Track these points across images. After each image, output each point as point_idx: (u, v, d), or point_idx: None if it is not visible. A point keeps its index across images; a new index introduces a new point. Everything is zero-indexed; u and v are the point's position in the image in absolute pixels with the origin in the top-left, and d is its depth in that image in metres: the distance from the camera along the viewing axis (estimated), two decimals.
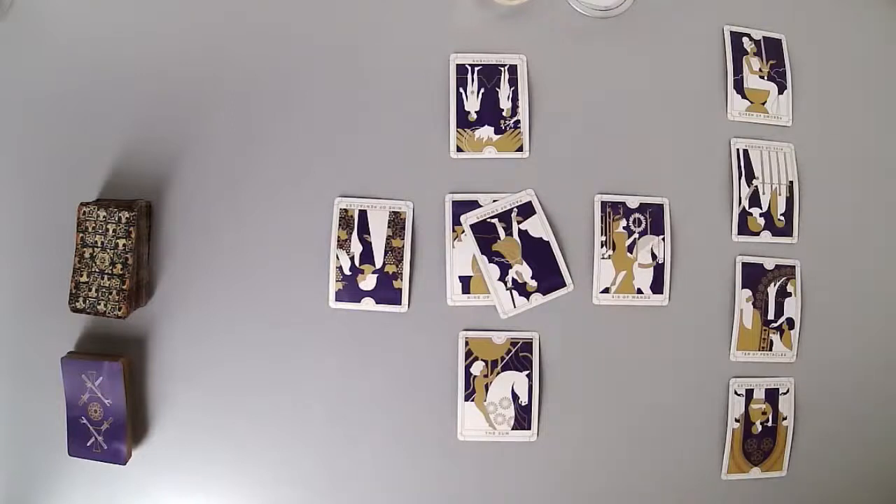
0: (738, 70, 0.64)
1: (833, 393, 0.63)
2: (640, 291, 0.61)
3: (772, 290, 0.63)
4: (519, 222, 0.60)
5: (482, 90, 0.62)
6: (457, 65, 0.62)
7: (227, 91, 0.61)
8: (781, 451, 0.62)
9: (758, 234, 0.63)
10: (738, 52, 0.65)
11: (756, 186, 0.63)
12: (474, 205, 0.61)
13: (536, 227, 0.61)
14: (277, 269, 0.59)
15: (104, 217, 0.54)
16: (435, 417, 0.59)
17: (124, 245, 0.54)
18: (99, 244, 0.55)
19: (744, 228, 0.63)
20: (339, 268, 0.59)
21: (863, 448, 0.64)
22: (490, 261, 0.60)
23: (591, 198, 0.61)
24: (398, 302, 0.59)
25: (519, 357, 0.60)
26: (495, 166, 0.61)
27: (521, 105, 0.62)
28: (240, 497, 0.59)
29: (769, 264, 0.63)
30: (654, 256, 0.61)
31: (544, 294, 0.60)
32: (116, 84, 0.60)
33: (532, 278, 0.60)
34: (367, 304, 0.59)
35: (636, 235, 0.61)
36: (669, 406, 0.61)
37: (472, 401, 0.59)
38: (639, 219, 0.62)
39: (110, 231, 0.55)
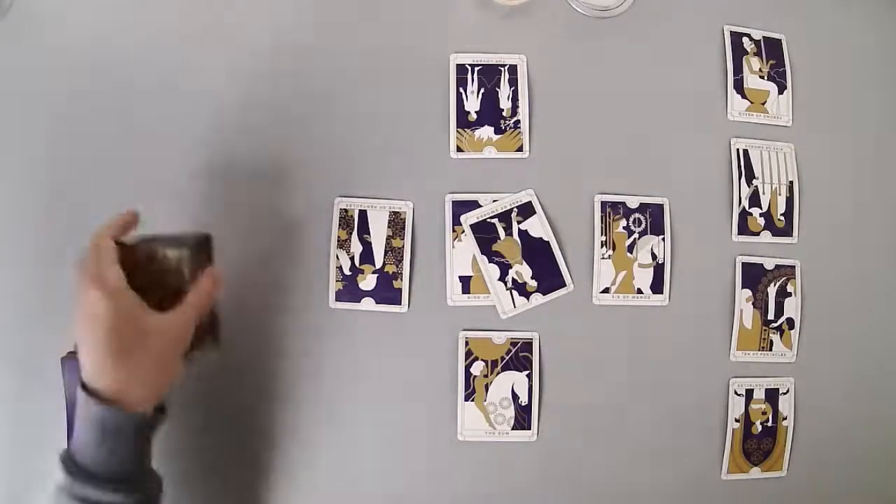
0: (738, 70, 0.64)
1: (833, 393, 0.63)
2: (640, 291, 0.61)
3: (772, 290, 0.63)
4: (519, 222, 0.60)
5: (482, 90, 0.62)
6: (457, 65, 0.62)
7: (226, 91, 0.61)
8: (781, 451, 0.62)
9: (758, 234, 0.63)
10: (738, 52, 0.65)
11: (756, 186, 0.63)
12: (474, 205, 0.61)
13: (536, 227, 0.61)
14: (277, 269, 0.59)
15: None
16: (435, 417, 0.59)
17: None
18: None
19: (744, 228, 0.63)
20: (339, 268, 0.59)
21: (863, 448, 0.64)
22: (490, 261, 0.60)
23: (591, 198, 0.62)
24: (398, 302, 0.59)
25: (519, 357, 0.60)
26: (495, 166, 0.61)
27: (521, 105, 0.62)
28: (239, 497, 0.58)
29: (769, 264, 0.63)
30: (654, 256, 0.62)
31: (544, 294, 0.60)
32: (116, 84, 0.60)
33: (532, 278, 0.60)
34: (367, 304, 0.59)
35: (636, 235, 0.61)
36: (669, 406, 0.61)
37: (472, 401, 0.59)
38: (639, 219, 0.62)
39: None
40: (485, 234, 0.60)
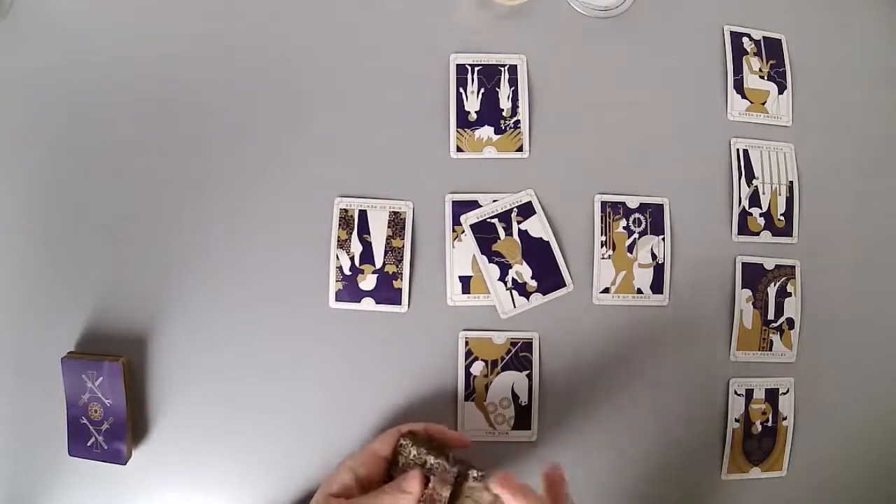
0: (738, 70, 0.64)
1: (833, 393, 0.63)
2: (640, 291, 0.61)
3: (772, 290, 0.63)
4: (519, 222, 0.60)
5: (482, 90, 0.62)
6: (457, 65, 0.62)
7: (227, 91, 0.61)
8: (781, 451, 0.62)
9: (758, 234, 0.63)
10: (738, 52, 0.65)
11: (756, 186, 0.63)
12: (474, 205, 0.61)
13: (536, 227, 0.61)
14: (277, 269, 0.59)
15: None
16: (435, 417, 0.59)
17: None
18: None
19: (744, 228, 0.63)
20: (339, 268, 0.59)
21: (863, 448, 0.64)
22: (490, 261, 0.60)
23: (591, 198, 0.61)
24: (398, 302, 0.59)
25: (519, 357, 0.60)
26: (495, 166, 0.61)
27: (521, 105, 0.62)
28: (240, 497, 0.59)
29: (769, 264, 0.63)
30: (654, 256, 0.62)
31: (544, 294, 0.60)
32: (116, 84, 0.60)
33: (532, 278, 0.60)
34: (367, 304, 0.59)
35: (636, 235, 0.61)
36: (669, 406, 0.61)
37: (472, 401, 0.59)
38: (639, 219, 0.62)
39: None
40: (485, 234, 0.60)
